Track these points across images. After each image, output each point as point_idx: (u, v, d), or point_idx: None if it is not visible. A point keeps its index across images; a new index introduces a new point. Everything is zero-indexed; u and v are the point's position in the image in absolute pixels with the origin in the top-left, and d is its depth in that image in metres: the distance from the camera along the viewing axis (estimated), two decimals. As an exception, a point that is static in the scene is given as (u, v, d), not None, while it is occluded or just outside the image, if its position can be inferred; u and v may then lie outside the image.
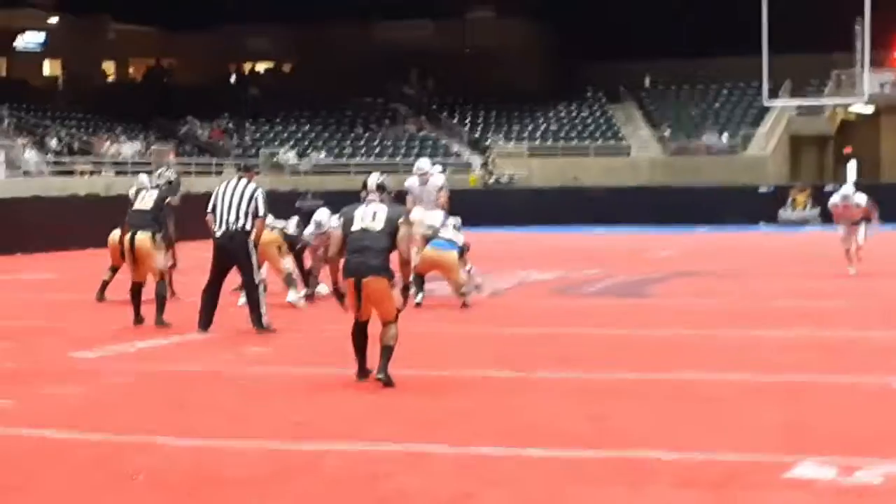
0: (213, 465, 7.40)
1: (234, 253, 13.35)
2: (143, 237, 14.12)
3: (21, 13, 50.70)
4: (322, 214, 16.97)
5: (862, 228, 20.89)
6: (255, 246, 13.51)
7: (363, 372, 10.20)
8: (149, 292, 14.35)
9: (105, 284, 16.97)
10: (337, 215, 10.86)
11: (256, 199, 13.46)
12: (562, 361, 11.33)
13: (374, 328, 10.25)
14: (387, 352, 10.02)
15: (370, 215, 10.13)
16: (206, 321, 13.45)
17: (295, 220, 17.54)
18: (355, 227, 10.10)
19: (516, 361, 11.32)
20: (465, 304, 16.07)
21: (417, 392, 9.88)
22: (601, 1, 49.62)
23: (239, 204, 13.40)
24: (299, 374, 10.90)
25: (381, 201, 10.28)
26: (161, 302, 14.07)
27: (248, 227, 13.32)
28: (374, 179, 10.47)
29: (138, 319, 14.08)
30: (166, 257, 15.36)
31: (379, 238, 9.98)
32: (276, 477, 7.08)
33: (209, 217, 13.53)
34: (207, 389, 10.13)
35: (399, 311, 10.15)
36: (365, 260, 9.94)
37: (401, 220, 10.13)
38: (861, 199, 20.88)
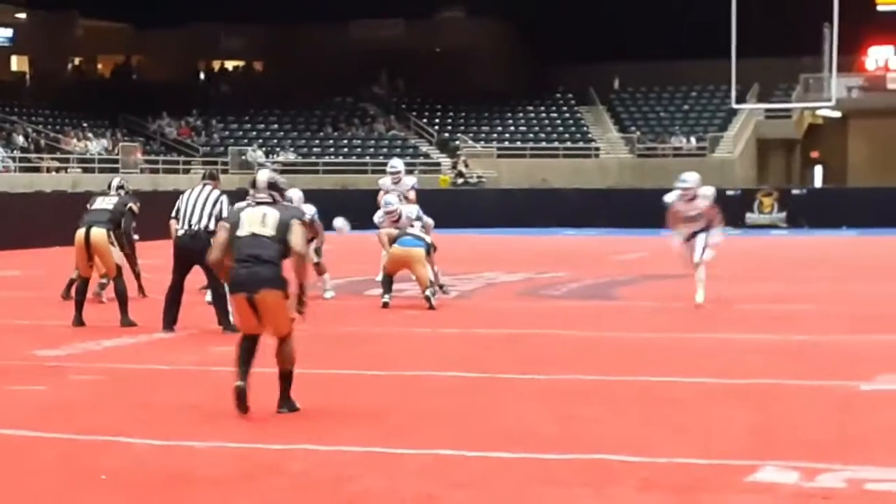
0: (179, 464, 7.40)
1: (196, 252, 13.34)
2: (98, 232, 14.11)
3: (-11, 8, 50.46)
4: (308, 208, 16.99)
5: (703, 238, 16.86)
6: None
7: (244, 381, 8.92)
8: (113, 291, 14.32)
9: (71, 283, 16.90)
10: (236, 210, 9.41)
11: (220, 203, 13.59)
12: (528, 363, 11.36)
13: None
14: (286, 379, 9.04)
15: (259, 218, 8.98)
16: (170, 321, 13.48)
17: None
18: (242, 232, 8.94)
19: (483, 363, 11.34)
20: (431, 306, 16.06)
21: (383, 394, 9.90)
22: (572, 3, 49.72)
23: (203, 206, 13.52)
24: (265, 375, 10.89)
25: (275, 202, 9.09)
26: (123, 301, 14.03)
27: (210, 227, 13.33)
28: (263, 176, 9.22)
29: (79, 320, 13.92)
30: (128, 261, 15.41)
31: (270, 245, 8.85)
32: (243, 477, 7.08)
33: (172, 222, 13.68)
34: (174, 389, 10.12)
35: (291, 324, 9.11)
36: (256, 271, 8.81)
37: (294, 222, 8.95)
38: (708, 192, 16.85)
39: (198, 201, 13.62)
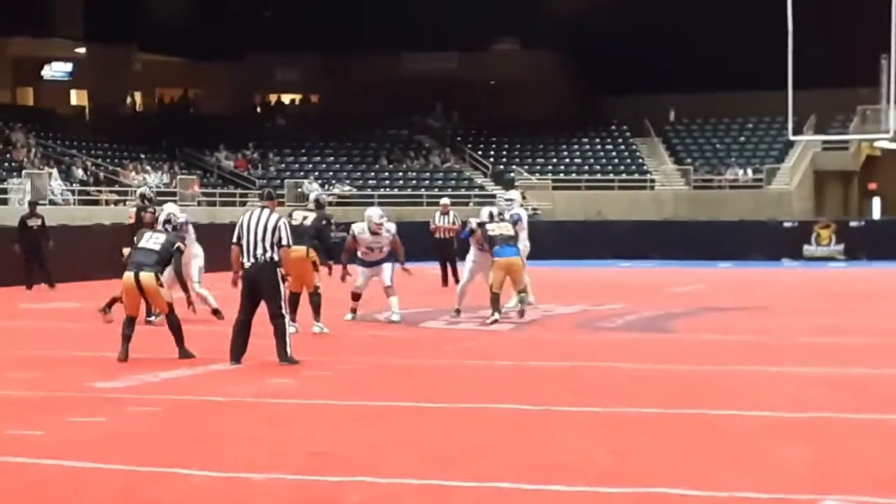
0: (237, 496, 7.42)
1: (262, 284, 13.44)
2: (147, 276, 14.03)
3: (49, 43, 51.07)
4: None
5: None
6: (285, 277, 13.63)
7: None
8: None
9: (113, 301, 17.19)
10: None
11: (280, 230, 13.58)
12: (584, 395, 11.33)
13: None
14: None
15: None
16: (237, 353, 13.49)
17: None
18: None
19: (538, 395, 11.31)
20: (522, 312, 17.94)
21: (439, 426, 9.89)
22: (626, 34, 49.69)
23: (264, 235, 13.50)
24: (321, 406, 10.92)
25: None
26: (178, 334, 14.08)
27: (275, 257, 13.43)
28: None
29: (125, 354, 13.87)
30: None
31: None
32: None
33: (234, 248, 13.64)
34: (231, 420, 10.16)
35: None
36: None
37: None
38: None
39: (258, 229, 13.60)
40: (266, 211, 13.83)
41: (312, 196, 18.15)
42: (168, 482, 7.78)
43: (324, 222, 17.50)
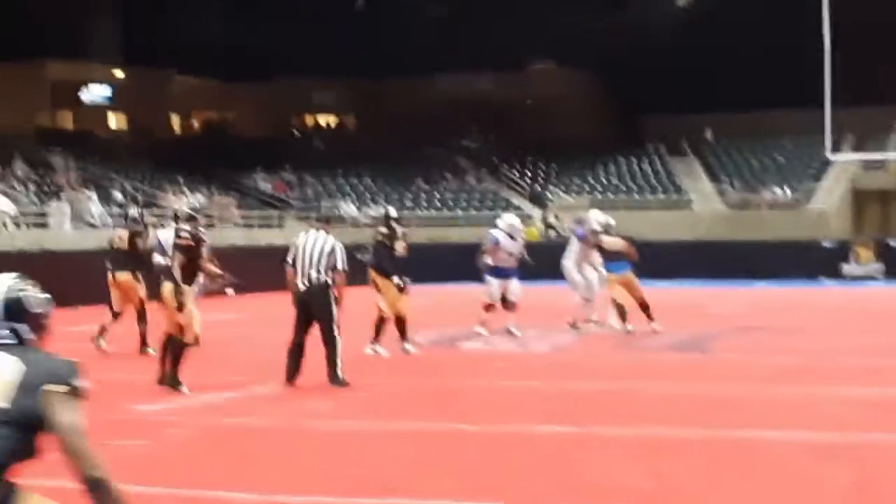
0: (275, 519, 7.44)
1: (315, 306, 13.48)
2: (167, 286, 14.08)
3: (87, 66, 51.50)
4: None
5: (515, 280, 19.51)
6: (338, 300, 13.67)
7: None
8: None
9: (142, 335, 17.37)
10: None
11: (335, 253, 13.63)
12: (622, 417, 11.30)
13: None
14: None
15: None
16: (291, 374, 13.51)
17: None
18: None
19: (576, 417, 11.29)
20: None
21: (476, 448, 9.88)
22: (662, 53, 49.67)
23: (319, 258, 13.55)
24: (360, 429, 10.94)
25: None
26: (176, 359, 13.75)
27: (328, 280, 13.48)
28: None
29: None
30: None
31: None
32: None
33: (289, 270, 13.70)
34: (270, 443, 10.19)
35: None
36: None
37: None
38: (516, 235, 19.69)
39: (314, 251, 13.64)
40: (322, 234, 13.91)
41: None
42: (208, 505, 7.82)
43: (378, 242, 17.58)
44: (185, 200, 42.06)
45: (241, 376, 14.14)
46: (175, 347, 13.31)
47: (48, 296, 4.70)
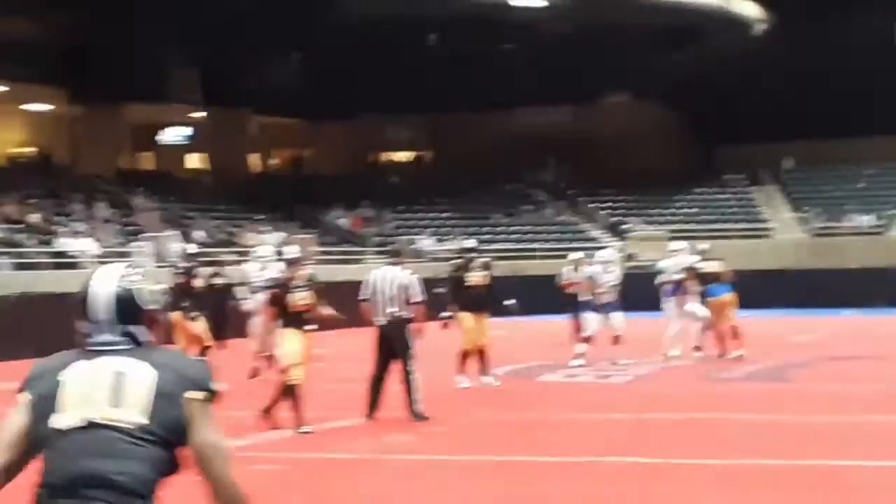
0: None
1: (394, 340, 13.55)
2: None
3: (166, 108, 52.19)
4: None
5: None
6: (418, 332, 13.74)
7: None
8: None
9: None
10: None
11: (411, 287, 13.69)
12: (704, 447, 11.22)
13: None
14: None
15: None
16: (372, 408, 13.54)
17: None
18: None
19: (657, 448, 11.23)
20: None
21: (556, 480, 9.87)
22: (738, 83, 49.40)
23: (395, 292, 13.61)
24: (441, 462, 10.96)
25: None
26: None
27: (406, 315, 13.54)
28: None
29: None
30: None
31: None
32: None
33: (366, 306, 13.77)
34: (354, 477, 10.23)
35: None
36: None
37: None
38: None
39: (390, 286, 13.72)
40: (396, 268, 13.98)
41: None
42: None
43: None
44: (268, 238, 42.42)
45: (323, 411, 14.21)
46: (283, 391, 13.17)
47: (163, 286, 4.09)
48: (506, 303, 17.77)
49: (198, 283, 17.71)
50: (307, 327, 13.06)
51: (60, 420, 3.66)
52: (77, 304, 3.83)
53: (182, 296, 17.42)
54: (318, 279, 13.69)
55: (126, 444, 3.65)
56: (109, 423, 3.65)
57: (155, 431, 3.70)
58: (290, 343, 13.05)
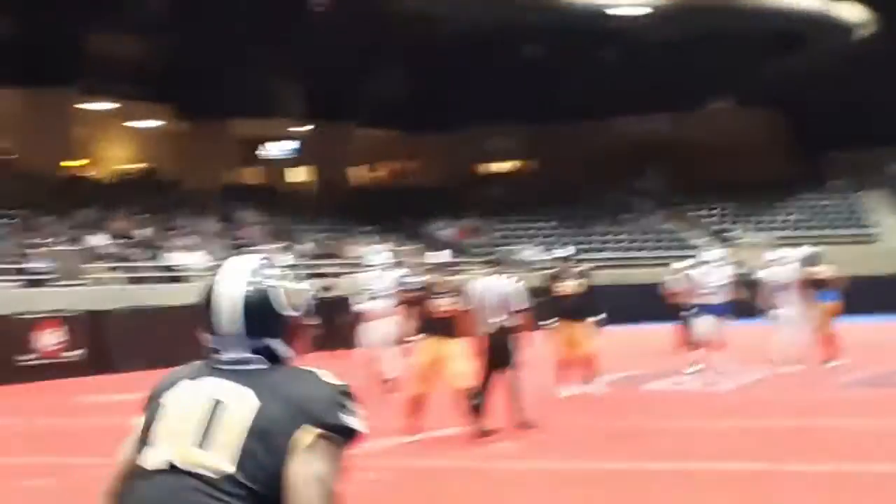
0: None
1: (498, 349, 13.63)
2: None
3: (272, 123, 52.89)
4: None
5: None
6: (523, 340, 13.84)
7: None
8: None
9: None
10: None
11: (514, 295, 13.76)
12: (812, 453, 11.19)
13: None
14: None
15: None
16: (478, 416, 13.36)
17: None
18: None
19: (764, 454, 11.22)
20: None
21: (665, 485, 9.91)
22: (842, 88, 48.81)
23: (498, 301, 13.69)
24: (545, 470, 11.05)
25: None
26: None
27: (510, 323, 13.62)
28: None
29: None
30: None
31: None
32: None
33: (468, 316, 13.83)
34: (460, 485, 10.36)
35: None
36: None
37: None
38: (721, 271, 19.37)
39: (493, 296, 13.77)
40: (497, 277, 14.08)
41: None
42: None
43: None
44: (377, 248, 42.75)
45: (429, 419, 14.36)
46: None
47: (307, 285, 3.23)
48: (592, 319, 17.48)
49: None
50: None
51: (147, 457, 3.00)
52: (201, 311, 3.10)
53: None
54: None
55: (205, 497, 2.88)
56: (191, 468, 2.92)
57: (244, 483, 2.88)
58: (427, 350, 13.16)
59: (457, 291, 13.44)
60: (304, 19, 44.87)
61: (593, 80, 51.71)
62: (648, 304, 27.73)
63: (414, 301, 13.53)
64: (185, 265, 34.87)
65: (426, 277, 13.85)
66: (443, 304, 13.27)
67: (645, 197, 53.62)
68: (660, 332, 26.60)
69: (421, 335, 13.38)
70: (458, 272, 14.58)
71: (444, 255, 14.68)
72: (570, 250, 18.88)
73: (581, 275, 17.54)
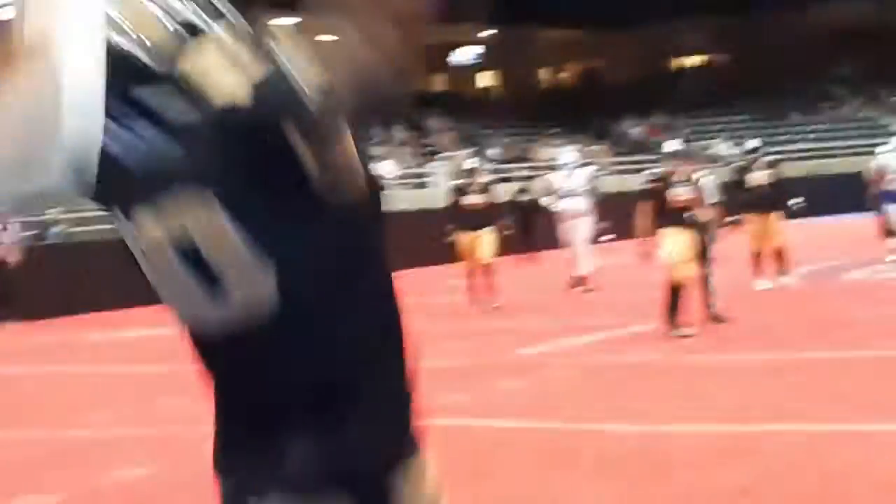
0: (659, 448, 7.59)
1: (698, 242, 13.29)
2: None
3: (455, 28, 52.84)
4: None
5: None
6: (716, 235, 13.65)
7: None
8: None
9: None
10: None
11: (706, 189, 13.49)
12: None
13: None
14: None
15: None
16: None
17: None
18: None
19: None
20: None
21: (867, 373, 9.70)
22: None
23: (692, 195, 13.35)
24: (737, 361, 10.94)
25: None
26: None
27: (703, 217, 13.32)
28: None
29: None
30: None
31: None
32: (720, 458, 7.19)
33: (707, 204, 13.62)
34: (647, 378, 10.33)
35: None
36: None
37: None
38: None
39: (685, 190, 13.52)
40: (690, 171, 13.75)
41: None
42: (590, 437, 8.05)
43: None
44: (567, 148, 42.62)
45: (622, 317, 14.33)
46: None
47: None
48: (792, 202, 17.27)
49: (474, 199, 17.78)
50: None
51: None
52: None
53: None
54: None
55: None
56: None
57: None
58: (671, 241, 12.89)
59: (692, 181, 13.20)
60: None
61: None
62: (848, 195, 27.04)
63: (653, 192, 13.19)
64: (377, 174, 35.27)
65: (661, 168, 13.61)
66: (682, 194, 13.08)
67: (841, 85, 52.12)
68: (859, 224, 25.96)
69: (663, 226, 12.94)
70: (692, 160, 14.22)
71: (677, 144, 14.37)
72: (757, 143, 18.42)
73: (770, 166, 17.25)
